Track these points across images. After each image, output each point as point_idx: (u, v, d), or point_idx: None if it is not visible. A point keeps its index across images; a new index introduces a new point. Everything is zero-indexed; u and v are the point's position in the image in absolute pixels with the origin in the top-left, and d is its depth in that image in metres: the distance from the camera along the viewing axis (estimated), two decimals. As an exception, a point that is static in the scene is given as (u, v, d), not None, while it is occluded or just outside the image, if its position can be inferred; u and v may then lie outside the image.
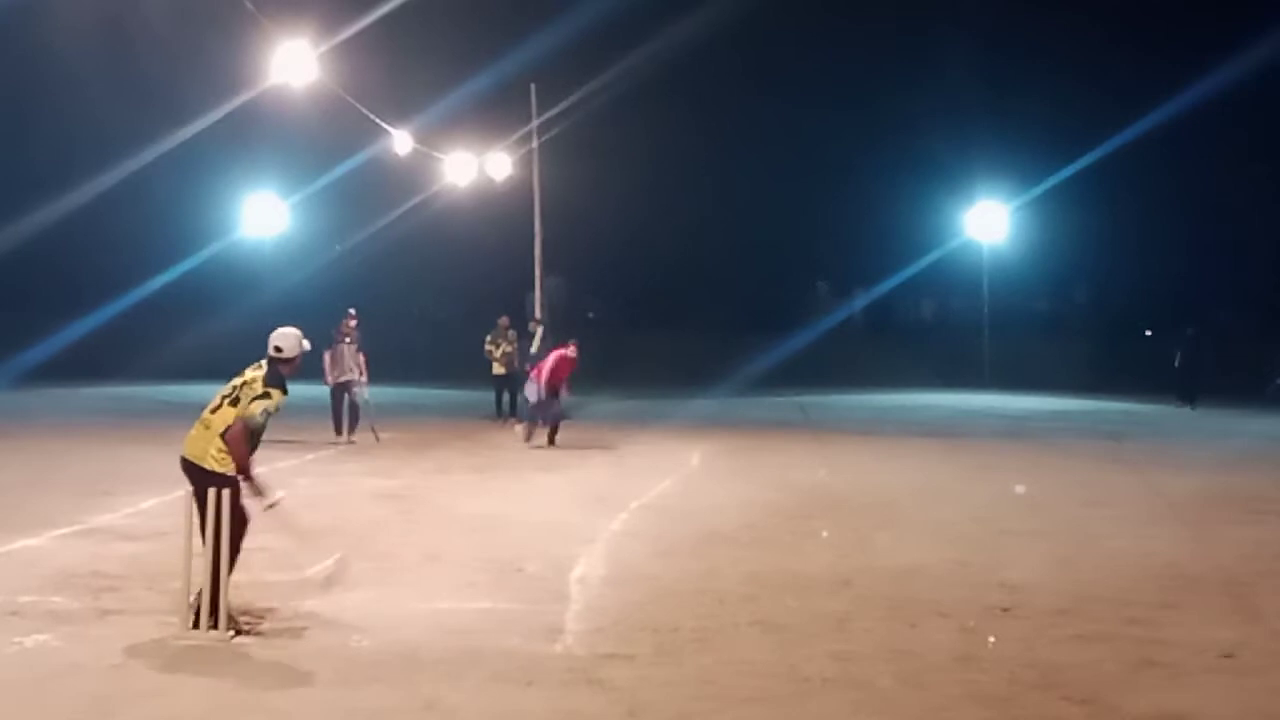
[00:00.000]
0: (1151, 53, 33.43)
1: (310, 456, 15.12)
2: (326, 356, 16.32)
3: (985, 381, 31.28)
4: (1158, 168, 34.08)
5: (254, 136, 29.07)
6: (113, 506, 10.68)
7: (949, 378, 31.44)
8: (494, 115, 24.27)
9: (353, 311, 16.99)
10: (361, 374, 16.84)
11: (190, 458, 6.59)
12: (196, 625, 6.51)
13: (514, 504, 11.64)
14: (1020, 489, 13.14)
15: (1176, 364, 26.42)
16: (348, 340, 16.81)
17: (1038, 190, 34.09)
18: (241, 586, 7.19)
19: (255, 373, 6.76)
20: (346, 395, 16.67)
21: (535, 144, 23.09)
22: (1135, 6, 35.94)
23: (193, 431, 6.66)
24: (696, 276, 39.27)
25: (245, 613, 6.91)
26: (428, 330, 35.05)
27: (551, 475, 13.83)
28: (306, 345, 6.97)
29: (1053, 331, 36.76)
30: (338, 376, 16.67)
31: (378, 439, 16.50)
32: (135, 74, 29.74)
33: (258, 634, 6.71)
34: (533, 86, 22.95)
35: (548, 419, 16.90)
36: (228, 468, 6.52)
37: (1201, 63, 29.47)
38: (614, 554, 9.24)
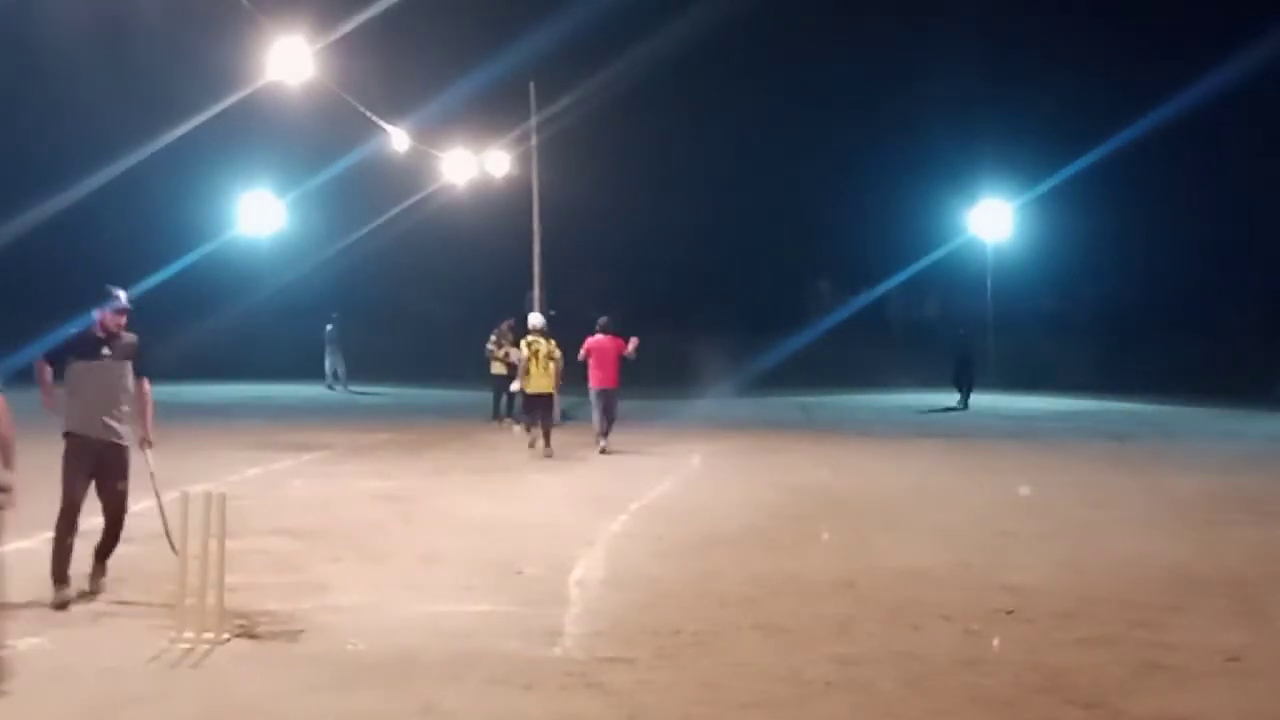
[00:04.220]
0: (1156, 49, 33.37)
1: (307, 457, 15.07)
2: (45, 369, 8.15)
3: (990, 381, 31.19)
4: (1163, 165, 33.98)
5: (249, 134, 28.96)
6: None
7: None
8: (493, 112, 24.16)
9: (121, 296, 8.29)
10: (141, 408, 8.20)
11: (543, 391, 15.47)
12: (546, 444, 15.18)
13: (512, 505, 11.58)
14: (1025, 490, 13.06)
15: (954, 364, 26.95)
16: (106, 352, 8.03)
17: (1042, 188, 33.96)
18: (238, 589, 7.13)
19: (536, 342, 15.60)
20: (92, 457, 7.88)
21: (534, 141, 23.00)
22: (1141, 3, 35.91)
23: (542, 379, 15.46)
24: (697, 275, 39.16)
25: (242, 615, 6.86)
26: (425, 330, 34.94)
27: (550, 476, 13.75)
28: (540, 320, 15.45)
29: (1058, 330, 36.60)
30: (80, 417, 7.90)
31: (174, 549, 7.14)
32: (130, 71, 29.67)
33: (254, 637, 6.65)
34: (531, 84, 22.86)
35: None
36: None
37: (1208, 59, 29.37)
38: (614, 556, 9.18)
